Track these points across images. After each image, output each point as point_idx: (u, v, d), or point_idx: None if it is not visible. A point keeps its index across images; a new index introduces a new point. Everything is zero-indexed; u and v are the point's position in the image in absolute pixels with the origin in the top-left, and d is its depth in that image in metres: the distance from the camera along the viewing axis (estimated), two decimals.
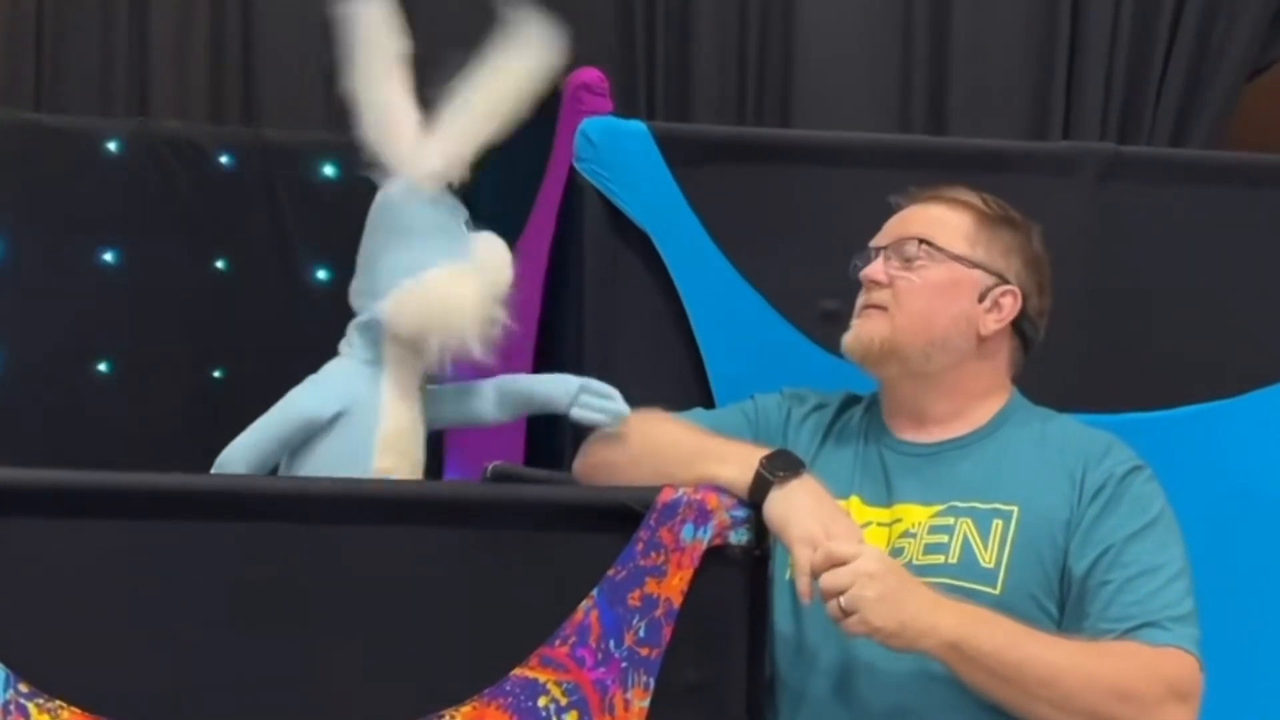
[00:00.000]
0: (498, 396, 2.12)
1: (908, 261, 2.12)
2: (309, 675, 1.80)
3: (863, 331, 2.13)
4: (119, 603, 1.77)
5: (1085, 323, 2.62)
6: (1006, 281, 2.14)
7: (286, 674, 1.80)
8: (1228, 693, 2.39)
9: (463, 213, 2.05)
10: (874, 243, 2.18)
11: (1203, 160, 2.96)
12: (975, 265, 2.13)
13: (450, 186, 2.04)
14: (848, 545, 1.86)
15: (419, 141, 2.01)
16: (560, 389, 2.08)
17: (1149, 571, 1.96)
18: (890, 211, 2.22)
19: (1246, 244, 2.69)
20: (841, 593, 1.83)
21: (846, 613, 1.83)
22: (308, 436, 1.99)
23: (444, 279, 1.98)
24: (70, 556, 1.77)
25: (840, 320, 2.18)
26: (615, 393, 2.10)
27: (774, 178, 2.67)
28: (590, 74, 2.70)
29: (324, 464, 1.98)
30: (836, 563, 1.84)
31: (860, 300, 2.16)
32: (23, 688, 1.71)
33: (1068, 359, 2.58)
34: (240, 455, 1.98)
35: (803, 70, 3.58)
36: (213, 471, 1.99)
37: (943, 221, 2.15)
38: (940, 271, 2.12)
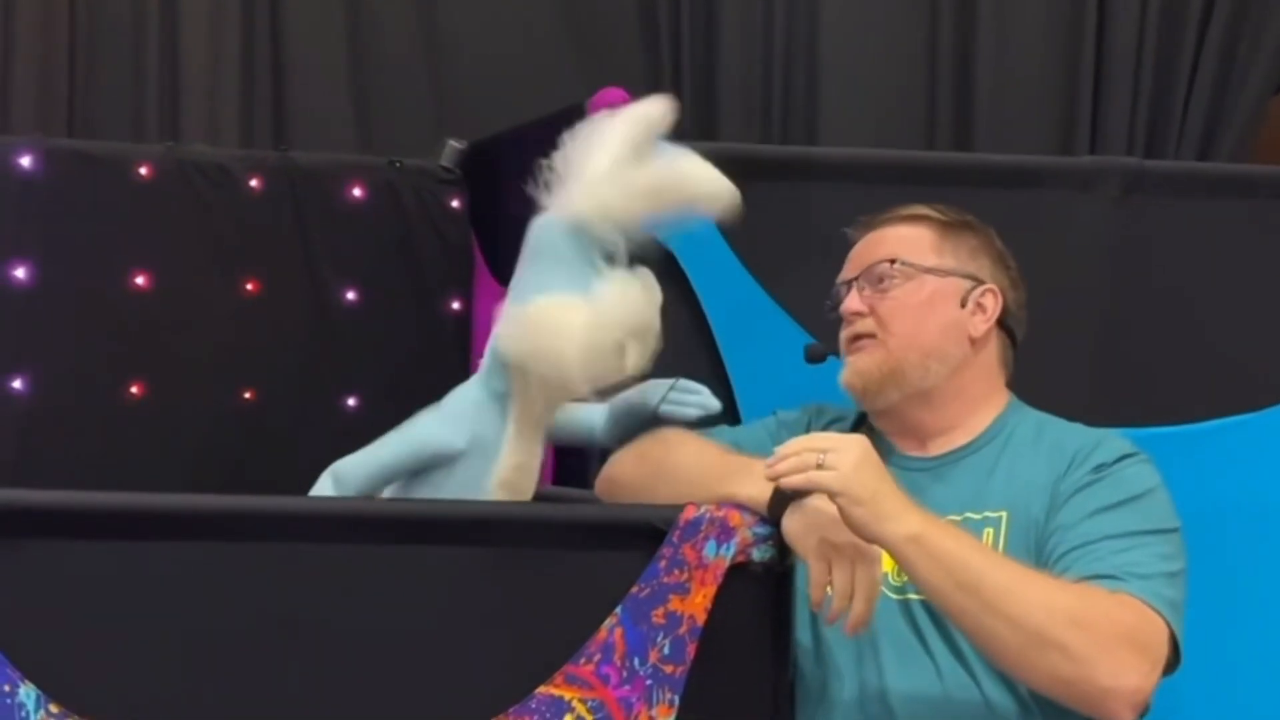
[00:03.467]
0: (599, 414, 2.17)
1: (881, 284, 2.14)
2: (336, 695, 1.80)
3: (859, 364, 2.13)
4: (149, 624, 1.78)
5: (1108, 336, 2.63)
6: (982, 282, 2.16)
7: (314, 694, 1.80)
8: (1252, 710, 2.39)
9: (603, 250, 1.93)
10: (842, 277, 2.20)
11: (1225, 174, 2.96)
12: (948, 273, 2.15)
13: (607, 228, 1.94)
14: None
15: (582, 180, 1.93)
16: (651, 390, 2.13)
17: (1115, 536, 1.93)
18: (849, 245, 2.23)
19: (1270, 258, 2.69)
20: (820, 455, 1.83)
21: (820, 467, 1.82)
22: (428, 467, 1.99)
23: (548, 308, 1.90)
24: (101, 578, 1.78)
25: (824, 357, 2.21)
26: (704, 389, 2.16)
27: (799, 195, 2.68)
28: (615, 94, 2.71)
29: (439, 495, 1.99)
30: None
31: (844, 334, 2.17)
32: (53, 708, 1.72)
33: (1090, 372, 2.58)
34: (357, 473, 1.98)
35: (828, 87, 3.60)
36: (323, 480, 1.98)
37: (905, 239, 2.17)
38: (916, 287, 2.13)
